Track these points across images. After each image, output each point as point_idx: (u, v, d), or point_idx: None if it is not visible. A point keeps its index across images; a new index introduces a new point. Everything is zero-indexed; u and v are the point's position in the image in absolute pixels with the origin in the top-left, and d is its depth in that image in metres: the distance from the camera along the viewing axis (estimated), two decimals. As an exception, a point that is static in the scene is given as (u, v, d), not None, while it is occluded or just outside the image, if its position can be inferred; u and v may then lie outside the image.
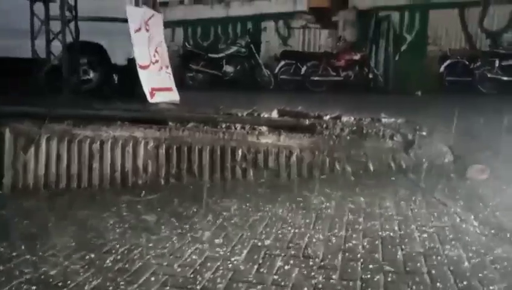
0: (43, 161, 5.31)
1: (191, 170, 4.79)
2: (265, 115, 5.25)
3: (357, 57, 10.42)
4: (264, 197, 3.68)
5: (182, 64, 10.49)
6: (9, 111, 5.40)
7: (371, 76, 10.50)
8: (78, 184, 5.12)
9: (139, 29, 5.41)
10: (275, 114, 5.28)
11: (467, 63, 9.33)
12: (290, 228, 2.83)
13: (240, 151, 4.64)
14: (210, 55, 11.20)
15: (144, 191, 4.50)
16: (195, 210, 3.39)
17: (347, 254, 2.41)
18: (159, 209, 3.60)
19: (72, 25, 6.02)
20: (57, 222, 3.43)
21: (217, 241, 2.68)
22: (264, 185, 4.13)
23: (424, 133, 4.68)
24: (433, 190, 3.61)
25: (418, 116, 5.11)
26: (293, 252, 2.46)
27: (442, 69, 9.41)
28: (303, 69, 10.15)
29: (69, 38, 6.07)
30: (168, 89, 5.57)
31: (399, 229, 2.78)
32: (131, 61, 5.48)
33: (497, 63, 9.12)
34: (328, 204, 3.36)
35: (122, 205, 3.86)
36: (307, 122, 4.97)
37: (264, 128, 4.93)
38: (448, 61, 9.47)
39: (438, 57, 9.81)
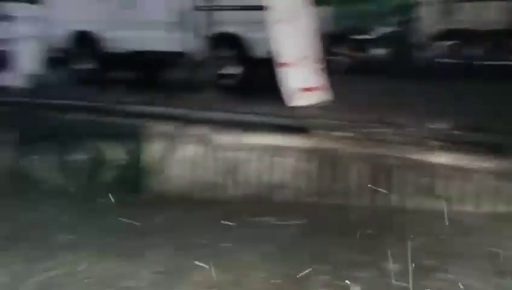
0: (180, 167, 5.08)
1: (344, 189, 4.04)
2: (432, 126, 4.20)
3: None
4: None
5: (323, 47, 9.60)
6: (149, 112, 5.26)
7: None
8: (213, 194, 4.80)
9: (283, 20, 4.73)
10: (443, 125, 4.20)
11: None
12: None
13: (409, 173, 3.71)
14: (355, 36, 10.11)
15: (286, 211, 3.92)
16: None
17: None
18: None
19: (209, 15, 5.59)
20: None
21: None
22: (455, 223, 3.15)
23: None
24: None
25: None
26: None
27: None
28: (470, 51, 8.50)
29: (207, 30, 5.66)
30: (317, 88, 4.82)
31: None
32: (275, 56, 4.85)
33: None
34: None
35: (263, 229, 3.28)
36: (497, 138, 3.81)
37: (436, 144, 3.91)
38: None
39: None
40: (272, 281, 2.79)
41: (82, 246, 3.79)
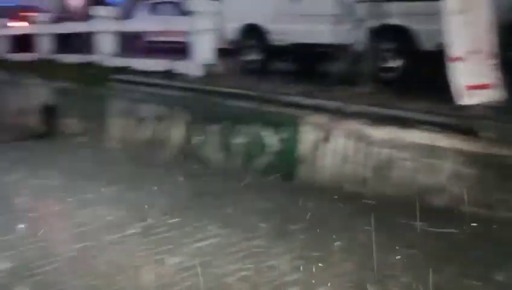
0: (332, 159, 5.11)
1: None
2: None
3: None
4: None
5: (499, 41, 8.45)
6: (306, 104, 5.39)
7: None
8: (361, 189, 4.70)
9: (457, 10, 4.34)
10: None
11: None
12: None
13: None
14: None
15: (439, 218, 3.65)
16: None
17: None
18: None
19: (372, 7, 5.42)
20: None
21: None
22: None
23: None
24: None
25: None
26: None
27: None
28: None
29: (369, 22, 5.51)
30: (489, 86, 4.33)
31: None
32: (443, 49, 4.50)
33: None
34: None
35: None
36: None
37: None
38: None
39: None
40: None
41: (231, 221, 4.14)
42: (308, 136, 5.11)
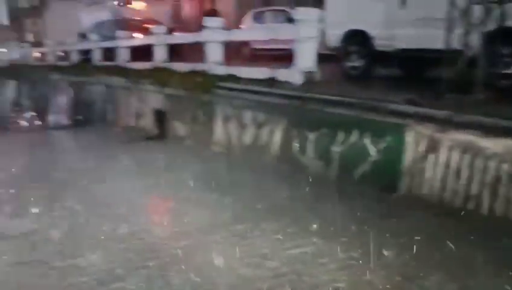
0: (439, 172, 4.78)
1: None
2: None
3: None
4: None
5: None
6: (412, 112, 5.11)
7: None
8: (476, 207, 4.33)
9: None
10: None
11: None
12: None
13: None
14: None
15: None
16: None
17: None
18: None
19: (488, 9, 4.98)
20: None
21: None
22: None
23: None
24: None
25: None
26: None
27: None
28: None
29: (484, 26, 5.07)
30: None
31: None
32: None
33: None
34: None
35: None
36: None
37: None
38: None
39: None
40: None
41: (327, 230, 4.08)
42: (413, 146, 4.86)
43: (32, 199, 5.42)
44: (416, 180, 4.80)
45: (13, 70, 16.74)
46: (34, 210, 5.14)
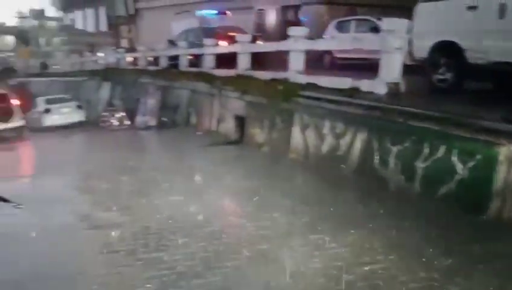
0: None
1: None
2: None
3: None
4: None
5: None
6: (506, 130, 4.76)
7: None
8: None
9: None
10: None
11: None
12: None
13: None
14: None
15: None
16: None
17: None
18: None
19: None
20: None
21: None
22: None
23: None
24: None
25: None
26: None
27: None
28: None
29: None
30: None
31: None
32: None
33: None
34: None
35: None
36: None
37: None
38: None
39: None
40: None
41: (404, 248, 3.92)
42: (507, 166, 4.52)
43: (123, 193, 5.93)
44: (510, 203, 4.46)
45: (108, 73, 18.09)
46: (124, 203, 5.56)
